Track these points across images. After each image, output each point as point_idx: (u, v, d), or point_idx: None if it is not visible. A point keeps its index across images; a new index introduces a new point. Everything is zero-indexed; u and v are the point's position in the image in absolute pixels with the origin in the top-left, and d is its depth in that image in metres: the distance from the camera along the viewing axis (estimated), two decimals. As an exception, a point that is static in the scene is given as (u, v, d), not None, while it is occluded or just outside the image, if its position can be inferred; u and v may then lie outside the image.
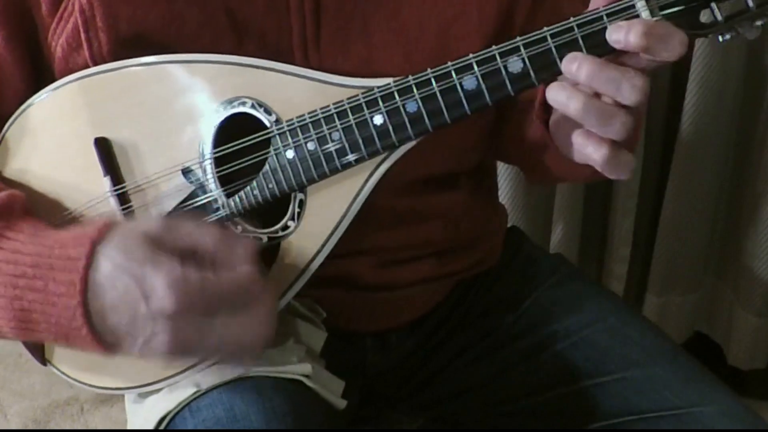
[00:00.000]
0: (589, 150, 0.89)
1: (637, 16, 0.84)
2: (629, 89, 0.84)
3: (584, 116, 0.86)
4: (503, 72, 0.88)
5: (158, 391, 1.01)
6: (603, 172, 0.91)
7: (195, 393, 0.96)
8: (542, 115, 1.04)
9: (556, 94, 0.88)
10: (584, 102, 0.86)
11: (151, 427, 1.00)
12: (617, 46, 0.85)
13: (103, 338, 0.85)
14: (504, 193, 1.72)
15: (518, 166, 1.24)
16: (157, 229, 0.84)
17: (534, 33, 0.86)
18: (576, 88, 0.86)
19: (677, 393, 1.11)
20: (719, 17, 0.84)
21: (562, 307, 1.23)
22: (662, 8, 0.84)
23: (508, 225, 1.36)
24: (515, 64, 0.87)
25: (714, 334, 1.98)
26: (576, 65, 0.85)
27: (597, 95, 0.87)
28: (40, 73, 1.02)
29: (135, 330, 0.82)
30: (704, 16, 0.84)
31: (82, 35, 0.97)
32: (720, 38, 0.86)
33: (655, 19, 0.84)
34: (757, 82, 1.70)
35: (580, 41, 0.85)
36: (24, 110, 1.01)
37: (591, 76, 0.84)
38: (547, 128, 1.03)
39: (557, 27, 0.86)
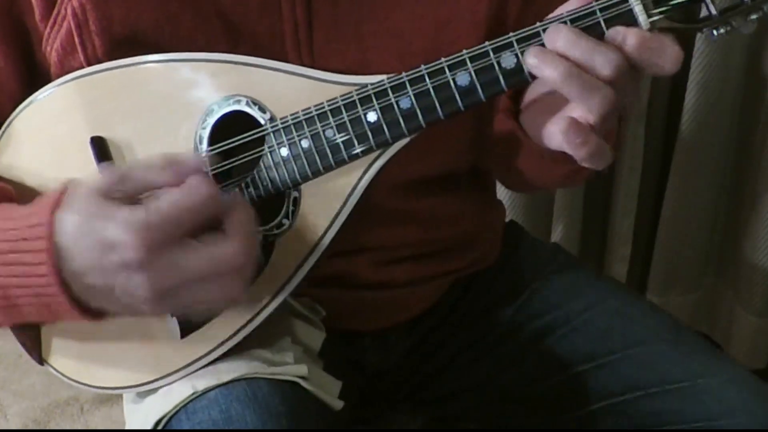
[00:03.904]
0: (570, 135, 0.88)
1: (630, 10, 0.84)
2: (602, 62, 0.84)
3: (564, 84, 0.85)
4: (496, 67, 0.87)
5: (155, 391, 1.01)
6: (581, 160, 0.89)
7: (191, 395, 0.96)
8: (511, 107, 1.05)
9: (537, 59, 0.86)
10: (567, 69, 0.84)
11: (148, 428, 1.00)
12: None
13: (84, 303, 0.85)
14: (504, 194, 1.72)
15: (494, 170, 1.24)
16: (105, 180, 0.83)
17: (527, 28, 0.86)
18: (558, 56, 0.85)
19: (681, 366, 1.12)
20: (714, 11, 0.84)
21: (561, 295, 1.24)
22: (656, 2, 0.84)
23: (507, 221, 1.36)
24: (509, 60, 0.87)
25: (714, 334, 1.98)
26: (554, 33, 0.85)
27: None
28: (34, 77, 1.02)
29: (111, 286, 0.81)
30: (698, 11, 0.84)
31: (76, 39, 0.97)
32: (714, 33, 0.85)
33: (652, 19, 0.84)
34: (757, 82, 1.70)
35: (574, 36, 0.85)
36: (19, 113, 1.01)
37: (568, 44, 0.84)
38: (516, 120, 1.04)
39: (551, 22, 0.86)
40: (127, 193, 0.82)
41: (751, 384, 1.09)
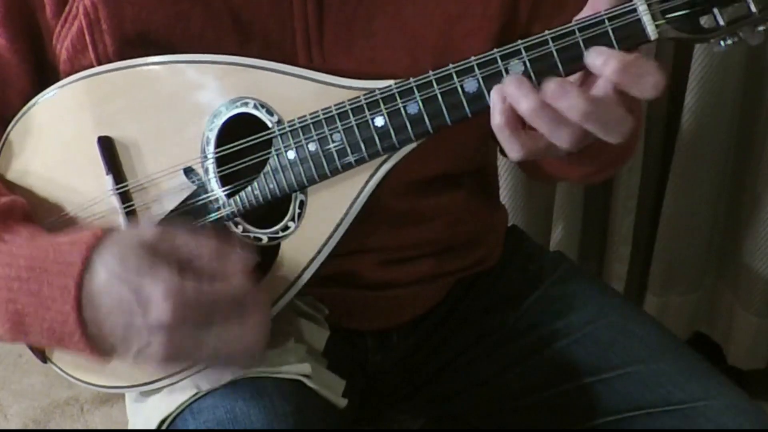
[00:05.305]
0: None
1: (639, 20, 0.84)
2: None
3: (534, 118, 0.86)
4: (504, 75, 0.88)
5: (159, 391, 1.01)
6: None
7: (195, 394, 0.96)
8: None
9: (512, 89, 0.86)
10: (537, 104, 0.85)
11: (151, 428, 1.00)
12: (592, 71, 0.85)
13: (96, 345, 0.85)
14: (504, 193, 1.72)
15: (518, 164, 1.24)
16: (153, 236, 0.84)
17: (535, 36, 0.87)
18: (532, 88, 0.86)
19: (681, 387, 1.12)
20: (721, 22, 0.84)
21: (564, 304, 1.24)
22: (664, 12, 0.84)
23: (508, 225, 1.36)
24: (516, 67, 0.87)
25: (714, 334, 1.98)
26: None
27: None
28: (44, 73, 1.02)
29: (130, 339, 0.82)
30: (706, 21, 0.84)
31: (87, 37, 0.97)
32: (722, 43, 0.85)
33: (660, 29, 0.84)
34: (757, 82, 1.70)
35: (581, 44, 0.85)
36: (27, 110, 1.01)
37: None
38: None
39: (559, 30, 0.86)
40: (170, 256, 0.83)
41: (749, 411, 1.09)
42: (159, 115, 0.97)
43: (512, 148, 0.88)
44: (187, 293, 0.81)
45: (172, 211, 0.98)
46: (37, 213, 0.99)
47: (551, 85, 0.84)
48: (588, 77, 0.88)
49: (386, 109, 0.91)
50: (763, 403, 1.14)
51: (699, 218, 1.81)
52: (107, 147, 0.98)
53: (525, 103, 0.85)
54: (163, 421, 0.99)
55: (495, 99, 0.87)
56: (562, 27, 0.86)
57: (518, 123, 0.87)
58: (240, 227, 0.98)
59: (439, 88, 0.89)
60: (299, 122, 0.94)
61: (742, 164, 1.79)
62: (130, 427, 1.12)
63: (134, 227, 0.95)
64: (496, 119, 0.87)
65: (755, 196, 1.75)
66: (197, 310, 0.81)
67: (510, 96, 0.86)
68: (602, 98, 0.85)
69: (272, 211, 0.97)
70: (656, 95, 0.83)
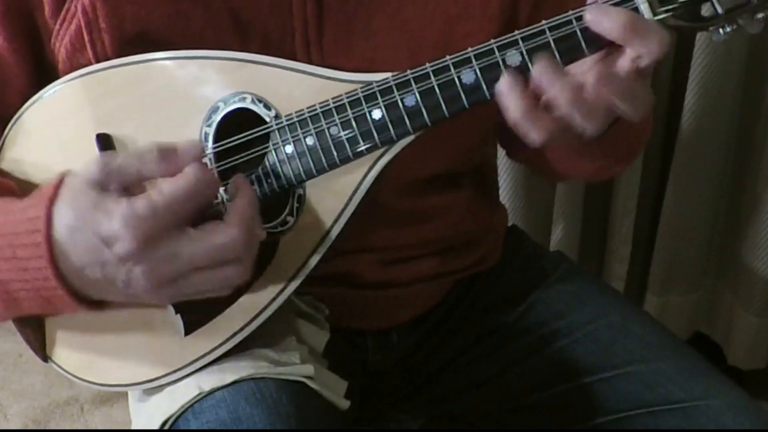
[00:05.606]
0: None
1: (636, 8, 0.84)
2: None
3: (571, 109, 0.84)
4: (501, 65, 0.87)
5: (161, 390, 1.01)
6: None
7: (197, 395, 0.96)
8: None
9: (546, 76, 0.84)
10: (575, 94, 0.84)
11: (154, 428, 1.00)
12: (595, 29, 0.84)
13: (84, 295, 0.86)
14: (504, 193, 1.73)
15: (524, 162, 1.24)
16: (95, 171, 0.84)
17: (532, 26, 0.86)
18: (521, 92, 0.85)
19: (682, 386, 1.12)
20: (720, 10, 0.84)
21: (565, 304, 1.24)
22: (662, 1, 0.84)
23: (508, 225, 1.36)
24: (513, 58, 0.87)
25: (714, 334, 1.98)
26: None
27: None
28: (43, 73, 1.02)
29: (111, 277, 0.83)
30: (705, 10, 0.84)
31: (86, 36, 0.97)
32: (721, 31, 0.85)
33: (658, 17, 0.84)
34: (757, 82, 1.70)
35: (579, 34, 0.85)
36: (26, 109, 1.01)
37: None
38: None
39: (556, 20, 0.86)
40: (122, 185, 0.83)
41: (750, 410, 1.09)
42: (157, 111, 0.97)
43: (535, 132, 0.86)
44: (141, 212, 0.80)
45: None
46: None
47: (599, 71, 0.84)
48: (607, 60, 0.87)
49: (383, 101, 0.91)
50: (763, 403, 1.14)
51: (699, 218, 1.81)
52: (106, 144, 0.98)
53: (564, 96, 0.84)
54: (165, 422, 0.98)
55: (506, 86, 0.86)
56: (559, 17, 0.86)
57: (536, 105, 0.85)
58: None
59: (437, 80, 0.89)
60: (296, 116, 0.93)
61: (742, 164, 1.79)
62: (132, 427, 1.11)
63: (82, 168, 0.90)
64: (518, 104, 0.85)
65: (755, 196, 1.76)
66: (158, 223, 0.81)
67: (501, 94, 0.85)
68: (626, 75, 0.84)
69: (271, 205, 0.97)
70: (664, 53, 0.82)
